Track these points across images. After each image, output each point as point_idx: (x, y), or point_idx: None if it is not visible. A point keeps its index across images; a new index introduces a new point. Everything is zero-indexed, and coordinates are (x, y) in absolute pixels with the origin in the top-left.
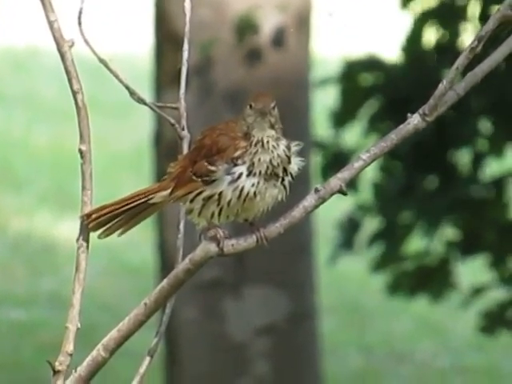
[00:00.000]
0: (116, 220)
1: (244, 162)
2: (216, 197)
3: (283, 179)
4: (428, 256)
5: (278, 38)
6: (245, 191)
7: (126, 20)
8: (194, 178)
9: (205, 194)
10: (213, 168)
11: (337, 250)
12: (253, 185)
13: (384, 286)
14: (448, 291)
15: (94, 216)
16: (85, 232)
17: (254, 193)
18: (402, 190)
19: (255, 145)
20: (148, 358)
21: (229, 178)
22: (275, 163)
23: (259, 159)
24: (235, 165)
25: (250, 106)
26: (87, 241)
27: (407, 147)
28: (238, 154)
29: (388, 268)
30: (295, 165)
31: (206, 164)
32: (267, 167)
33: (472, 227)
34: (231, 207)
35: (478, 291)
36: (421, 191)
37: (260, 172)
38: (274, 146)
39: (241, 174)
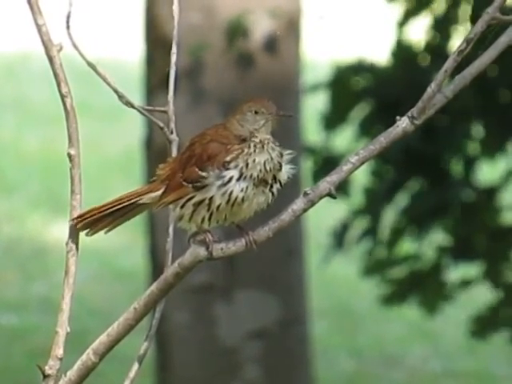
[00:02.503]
0: (104, 219)
1: (236, 166)
2: (206, 202)
3: (271, 186)
4: (419, 260)
5: (268, 43)
6: (233, 195)
7: (116, 24)
8: (184, 183)
9: (195, 200)
10: (203, 174)
11: (328, 252)
12: (242, 190)
13: (376, 296)
14: (441, 301)
15: (82, 217)
16: (74, 236)
17: (242, 198)
18: (392, 191)
19: (254, 146)
20: (138, 363)
21: (219, 182)
22: (268, 167)
23: (254, 160)
24: (226, 169)
25: (256, 112)
26: (77, 245)
27: (398, 151)
28: (230, 157)
29: (378, 273)
30: (285, 173)
31: (196, 170)
32: (260, 170)
33: (463, 232)
34: (220, 212)
35: (465, 284)
36: (411, 194)
37: (251, 175)
38: (272, 148)
39: (231, 178)
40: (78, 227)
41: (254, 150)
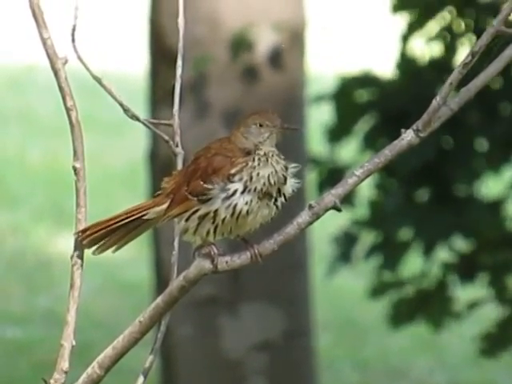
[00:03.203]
0: (110, 236)
1: (241, 179)
2: (211, 215)
3: (276, 199)
4: (425, 278)
5: (273, 55)
6: (237, 209)
7: (120, 37)
8: (189, 197)
9: (200, 213)
10: (209, 186)
11: (334, 264)
12: (246, 203)
13: (383, 316)
14: (448, 319)
15: (88, 232)
16: (79, 249)
17: (247, 211)
18: (399, 208)
19: (258, 159)
20: (143, 376)
21: (223, 195)
22: (272, 181)
23: (258, 174)
24: (231, 182)
25: (261, 125)
26: (82, 258)
27: (406, 166)
28: (234, 170)
29: (386, 294)
30: (290, 187)
31: (201, 183)
32: (264, 183)
33: (468, 250)
34: (225, 225)
35: (474, 305)
36: (418, 210)
37: (255, 189)
38: (276, 161)
39: (235, 191)
40: (84, 243)
41: (259, 164)
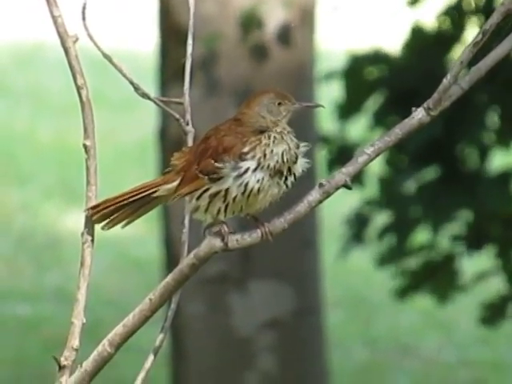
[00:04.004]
0: (120, 212)
1: (254, 156)
2: (222, 193)
3: (286, 178)
4: (433, 250)
5: (282, 33)
6: (249, 187)
7: (130, 15)
8: (200, 175)
9: (211, 191)
10: (220, 165)
11: (347, 245)
12: (258, 181)
13: (390, 288)
14: (453, 291)
15: (97, 208)
16: (90, 226)
17: (258, 189)
18: (409, 185)
19: (274, 136)
20: (153, 353)
21: (235, 173)
22: (285, 158)
23: (272, 151)
24: (243, 160)
25: (279, 103)
26: (92, 236)
27: (414, 144)
28: (247, 148)
29: (393, 264)
30: (300, 166)
31: (212, 162)
32: (277, 161)
33: (477, 222)
34: (236, 203)
35: (480, 277)
36: (427, 187)
37: (268, 166)
38: (290, 139)
39: (247, 169)
40: (93, 219)
41: (273, 141)
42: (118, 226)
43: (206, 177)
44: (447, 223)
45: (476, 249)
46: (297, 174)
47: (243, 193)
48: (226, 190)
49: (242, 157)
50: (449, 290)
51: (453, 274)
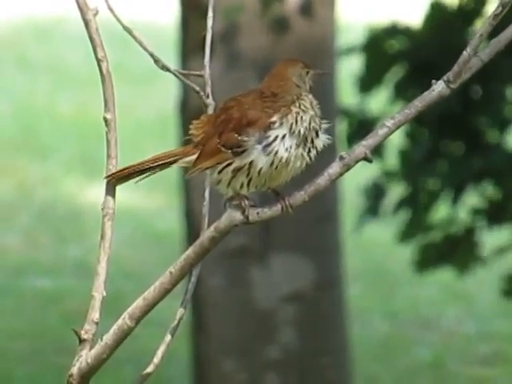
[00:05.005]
0: (137, 175)
1: (282, 124)
2: (246, 167)
3: (310, 150)
4: (453, 224)
5: (304, 6)
6: (278, 156)
7: None
8: (222, 149)
9: (234, 166)
10: (244, 138)
11: (362, 217)
12: (286, 149)
13: (410, 262)
14: (474, 263)
15: (116, 174)
16: (110, 199)
17: (286, 159)
18: (428, 156)
19: (304, 105)
20: (174, 326)
21: (260, 146)
22: (312, 125)
23: (301, 117)
24: (270, 129)
25: (307, 72)
26: (113, 208)
27: (433, 114)
28: (275, 118)
29: (414, 238)
30: (321, 141)
31: (235, 135)
32: (306, 127)
33: (497, 195)
34: (260, 177)
35: (501, 251)
36: (446, 158)
37: (299, 131)
38: (316, 107)
39: (276, 138)
40: (111, 182)
41: (303, 109)
42: (137, 195)
43: (230, 151)
44: (467, 197)
45: (496, 223)
46: (318, 149)
47: (271, 164)
48: (250, 163)
49: (270, 126)
50: (469, 263)
51: (473, 247)
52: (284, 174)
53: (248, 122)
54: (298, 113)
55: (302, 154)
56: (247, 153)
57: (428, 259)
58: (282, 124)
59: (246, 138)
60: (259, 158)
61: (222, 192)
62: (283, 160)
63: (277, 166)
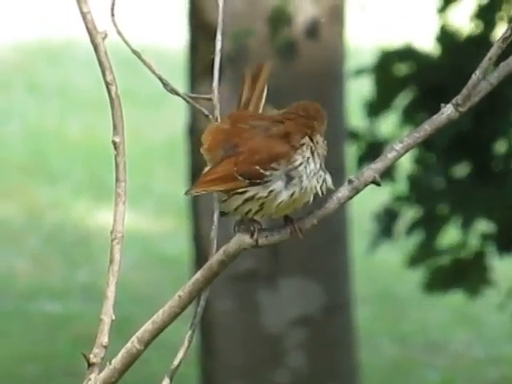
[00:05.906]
0: None
1: (305, 150)
2: (262, 199)
3: (323, 182)
4: (463, 249)
5: (311, 29)
6: (299, 189)
7: (160, 11)
8: (239, 178)
9: (248, 195)
10: (267, 173)
11: (375, 240)
12: (308, 178)
13: (419, 283)
14: (484, 288)
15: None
16: (119, 222)
17: (306, 190)
18: (438, 182)
19: (317, 141)
20: (182, 350)
21: (283, 182)
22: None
23: (318, 153)
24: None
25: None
26: (122, 232)
27: (443, 139)
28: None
29: (423, 263)
30: (330, 178)
31: (257, 168)
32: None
33: (507, 220)
34: (274, 207)
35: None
36: (456, 184)
37: (319, 153)
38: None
39: (301, 164)
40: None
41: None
42: (145, 220)
43: (247, 181)
44: (477, 221)
45: (506, 250)
46: (328, 185)
47: (291, 195)
48: (268, 194)
49: (295, 161)
50: (479, 287)
51: (483, 271)
52: (292, 207)
53: (272, 156)
54: (316, 148)
55: (315, 187)
56: (267, 184)
57: (437, 282)
58: (303, 149)
59: (268, 173)
60: (281, 192)
61: (227, 213)
62: (302, 193)
63: (294, 200)
